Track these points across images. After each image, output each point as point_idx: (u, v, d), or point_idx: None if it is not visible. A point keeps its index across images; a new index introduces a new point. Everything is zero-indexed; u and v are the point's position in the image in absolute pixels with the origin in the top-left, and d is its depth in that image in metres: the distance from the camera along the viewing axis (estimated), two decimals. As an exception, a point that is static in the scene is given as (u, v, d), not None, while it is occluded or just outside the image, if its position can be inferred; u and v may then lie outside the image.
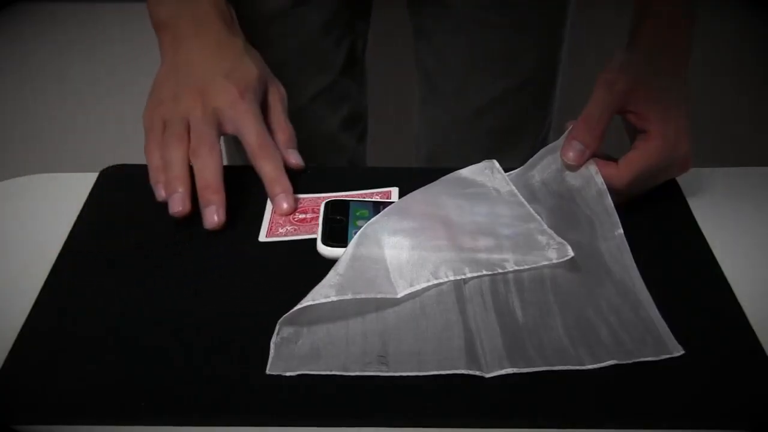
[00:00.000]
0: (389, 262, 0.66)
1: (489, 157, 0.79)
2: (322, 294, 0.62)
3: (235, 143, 1.12)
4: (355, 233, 0.68)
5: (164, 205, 0.74)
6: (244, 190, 0.78)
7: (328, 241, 0.70)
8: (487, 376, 0.59)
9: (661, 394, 0.58)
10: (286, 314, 0.61)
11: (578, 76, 1.24)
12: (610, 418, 0.56)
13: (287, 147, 0.80)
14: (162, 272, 0.69)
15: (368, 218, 0.71)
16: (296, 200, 0.76)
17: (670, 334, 0.62)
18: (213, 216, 0.73)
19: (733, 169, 0.84)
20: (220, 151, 0.75)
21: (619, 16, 0.91)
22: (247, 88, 0.78)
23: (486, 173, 0.77)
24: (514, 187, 0.75)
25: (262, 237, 0.73)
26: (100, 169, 0.83)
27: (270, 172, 0.76)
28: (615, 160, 0.74)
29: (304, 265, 0.69)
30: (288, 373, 0.59)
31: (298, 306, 0.61)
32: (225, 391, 0.58)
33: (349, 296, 0.62)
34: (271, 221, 0.75)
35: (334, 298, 0.62)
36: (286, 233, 0.74)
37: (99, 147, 1.52)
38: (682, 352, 0.61)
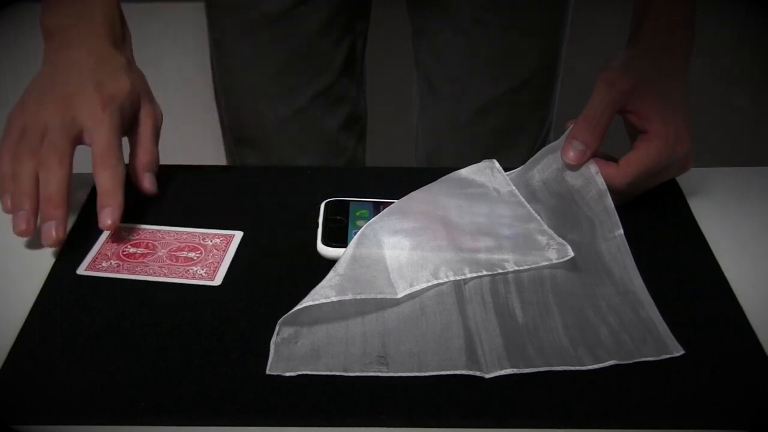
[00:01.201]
0: (389, 262, 0.66)
1: (489, 157, 0.79)
2: (322, 294, 0.62)
3: (234, 143, 1.12)
4: (355, 233, 0.68)
5: (163, 204, 0.74)
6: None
7: (328, 241, 0.70)
8: (487, 376, 0.59)
9: (661, 394, 0.58)
10: (286, 314, 0.61)
11: (578, 76, 1.24)
12: (610, 418, 0.56)
13: (145, 170, 0.76)
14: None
15: (368, 218, 0.71)
16: (124, 228, 0.73)
17: (671, 334, 0.62)
18: (51, 231, 0.70)
19: (733, 169, 0.84)
20: (71, 163, 0.72)
21: (619, 16, 0.91)
22: (112, 101, 0.74)
23: (486, 173, 0.77)
24: (514, 187, 0.75)
25: (81, 270, 0.69)
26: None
27: (104, 182, 0.72)
28: (615, 160, 0.74)
29: (304, 265, 0.69)
30: (288, 374, 0.59)
31: (298, 306, 0.61)
32: (225, 391, 0.58)
33: (349, 297, 0.62)
34: (98, 252, 0.71)
35: (334, 299, 0.62)
36: (108, 269, 0.69)
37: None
38: (683, 352, 0.61)
